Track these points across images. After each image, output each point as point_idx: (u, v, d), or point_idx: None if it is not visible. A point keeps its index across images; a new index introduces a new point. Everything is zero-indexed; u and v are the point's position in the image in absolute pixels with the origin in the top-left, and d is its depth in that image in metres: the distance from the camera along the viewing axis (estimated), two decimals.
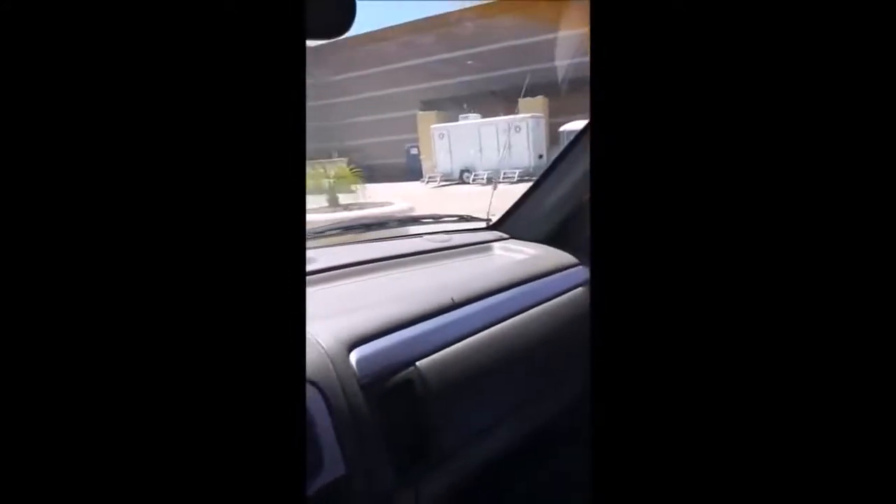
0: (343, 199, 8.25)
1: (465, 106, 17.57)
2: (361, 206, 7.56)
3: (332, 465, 0.63)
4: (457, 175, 15.76)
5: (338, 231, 1.18)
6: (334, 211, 7.65)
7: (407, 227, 1.29)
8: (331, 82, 22.02)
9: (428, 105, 19.82)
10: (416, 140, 18.73)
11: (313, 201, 8.12)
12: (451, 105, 18.89)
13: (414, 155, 18.85)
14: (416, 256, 1.10)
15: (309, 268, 0.96)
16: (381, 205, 7.59)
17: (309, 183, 8.37)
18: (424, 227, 1.30)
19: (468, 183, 14.94)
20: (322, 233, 1.15)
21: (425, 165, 17.33)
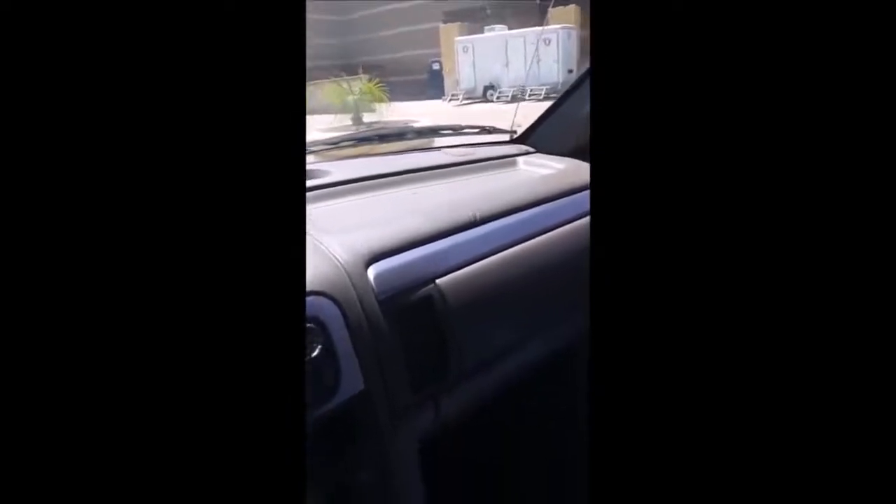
0: (366, 117, 8.06)
1: (489, 12, 16.59)
2: (385, 125, 7.40)
3: (349, 381, 0.62)
4: (480, 92, 15.16)
5: (352, 143, 1.12)
6: (357, 129, 7.51)
7: (426, 139, 1.23)
8: None
9: (451, 16, 18.77)
10: (440, 55, 17.92)
11: (336, 120, 7.96)
12: (476, 16, 17.85)
13: (436, 71, 18.06)
14: (436, 170, 1.05)
15: (323, 181, 0.92)
16: (405, 122, 7.41)
17: (332, 100, 8.14)
18: (444, 139, 1.22)
19: (492, 101, 14.40)
20: (336, 144, 1.09)
21: (448, 82, 16.67)
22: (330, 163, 1.04)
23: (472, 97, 15.22)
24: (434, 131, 1.20)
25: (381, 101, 8.29)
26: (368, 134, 1.14)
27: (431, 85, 17.68)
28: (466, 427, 0.86)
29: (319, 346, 0.59)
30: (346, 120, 8.03)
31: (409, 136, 1.15)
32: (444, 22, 18.60)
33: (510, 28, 15.44)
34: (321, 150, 1.09)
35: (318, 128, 7.70)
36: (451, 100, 15.72)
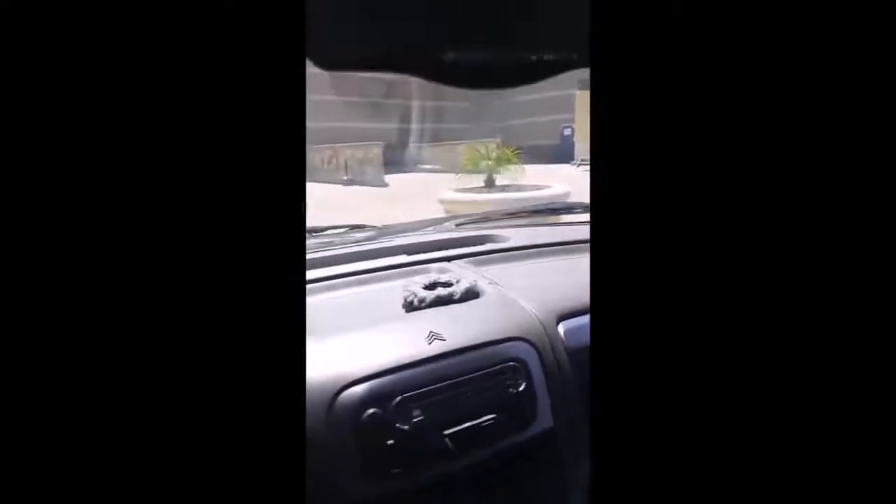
0: (499, 180, 8.35)
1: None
2: (518, 189, 7.60)
3: (543, 417, 0.73)
4: None
5: (527, 213, 1.28)
6: (490, 192, 7.79)
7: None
8: None
9: (587, 84, 19.02)
10: (572, 121, 18.17)
11: (472, 181, 8.37)
12: None
13: (567, 136, 18.30)
14: None
15: (504, 245, 1.08)
16: (539, 187, 7.55)
17: (468, 163, 8.57)
18: None
19: None
20: (514, 214, 1.26)
21: (578, 147, 16.77)
22: (508, 230, 1.20)
23: None
24: None
25: (514, 164, 8.56)
26: (541, 207, 1.30)
27: (561, 150, 17.93)
28: None
29: (524, 383, 0.71)
30: (481, 182, 8.39)
31: (578, 210, 1.29)
32: (580, 89, 18.90)
33: None
34: (500, 219, 1.26)
35: (451, 187, 8.16)
36: (579, 164, 15.77)
